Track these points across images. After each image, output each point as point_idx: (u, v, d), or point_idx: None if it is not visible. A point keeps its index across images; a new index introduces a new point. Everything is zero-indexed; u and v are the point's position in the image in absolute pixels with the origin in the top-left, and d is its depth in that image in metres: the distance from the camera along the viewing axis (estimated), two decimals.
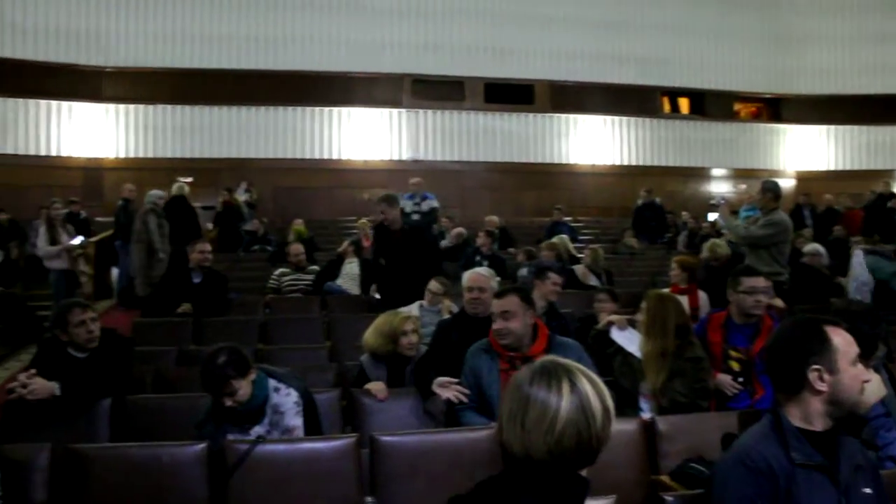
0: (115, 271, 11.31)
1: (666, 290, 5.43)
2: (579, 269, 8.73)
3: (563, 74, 17.35)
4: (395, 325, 4.38)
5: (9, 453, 2.82)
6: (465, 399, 3.83)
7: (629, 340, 4.39)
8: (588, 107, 17.67)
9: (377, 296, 7.28)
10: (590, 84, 17.53)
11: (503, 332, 3.72)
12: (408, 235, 6.92)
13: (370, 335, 4.45)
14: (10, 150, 15.30)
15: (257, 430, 3.36)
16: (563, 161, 17.69)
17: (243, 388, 3.31)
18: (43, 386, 3.72)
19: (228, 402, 3.29)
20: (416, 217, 11.94)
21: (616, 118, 17.87)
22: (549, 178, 17.43)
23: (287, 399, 3.47)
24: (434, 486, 3.15)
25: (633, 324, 4.48)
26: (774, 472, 2.08)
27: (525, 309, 3.73)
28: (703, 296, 6.53)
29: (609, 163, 17.89)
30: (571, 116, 17.66)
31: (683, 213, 14.71)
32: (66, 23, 15.61)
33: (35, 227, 12.25)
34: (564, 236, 10.99)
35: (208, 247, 7.14)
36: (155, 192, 10.07)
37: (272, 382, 3.48)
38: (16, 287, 9.86)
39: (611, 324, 4.54)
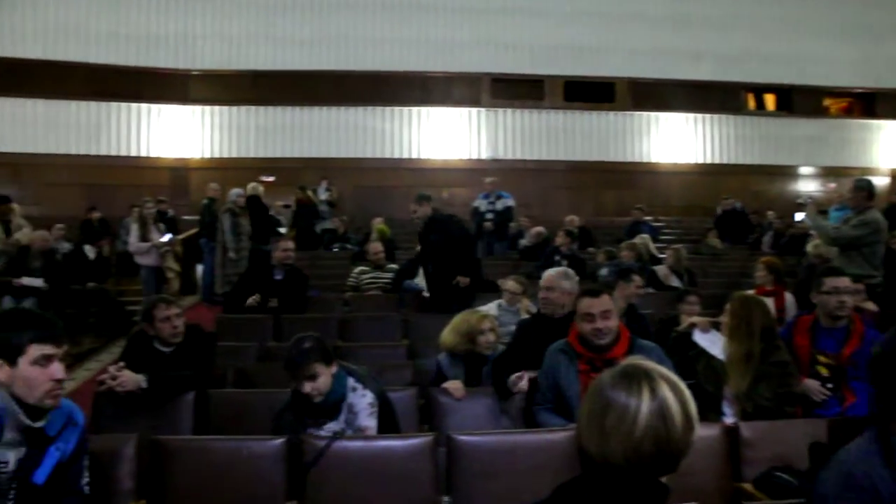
0: (199, 268, 11.60)
1: (751, 292, 5.26)
2: (661, 269, 8.56)
3: (645, 71, 17.04)
4: (473, 324, 4.36)
5: (98, 442, 2.89)
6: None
7: (712, 343, 4.28)
8: (670, 104, 17.33)
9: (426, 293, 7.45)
10: (671, 81, 17.16)
11: (604, 332, 3.66)
12: (432, 230, 7.10)
13: (447, 334, 4.44)
14: (102, 152, 15.93)
15: (331, 426, 3.38)
16: (644, 160, 17.40)
17: (324, 376, 3.35)
18: (131, 378, 3.82)
19: (308, 388, 3.31)
20: (490, 216, 11.93)
21: (699, 115, 17.46)
22: (630, 176, 17.17)
23: (362, 400, 3.48)
24: (512, 488, 3.11)
25: (716, 326, 4.36)
26: (881, 496, 1.92)
27: (615, 309, 3.71)
28: (789, 298, 6.31)
29: (691, 161, 17.50)
30: (653, 114, 17.35)
31: (769, 212, 14.28)
32: (154, 29, 16.12)
33: (125, 225, 12.66)
34: (645, 236, 10.80)
35: (291, 245, 7.24)
36: (234, 191, 10.29)
37: (350, 381, 3.50)
38: (107, 282, 10.17)
39: (693, 326, 4.43)
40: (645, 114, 17.32)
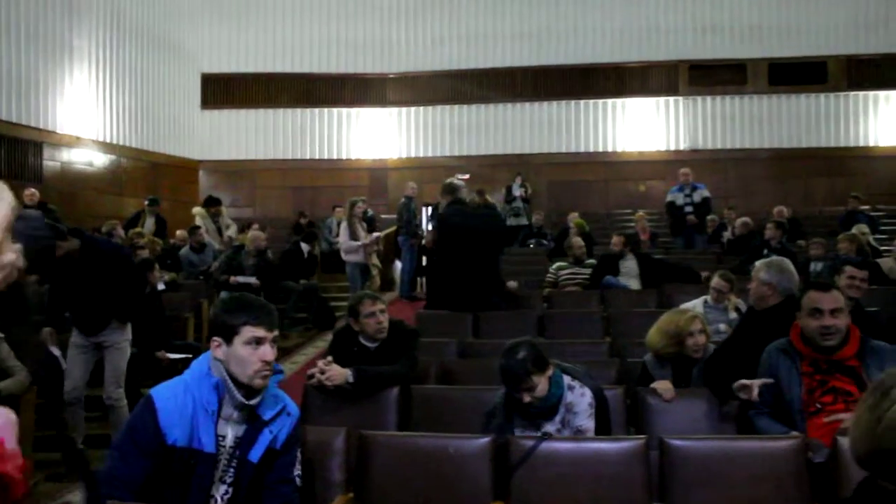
0: (397, 265, 11.92)
1: None
2: (886, 262, 7.84)
3: (862, 47, 15.77)
4: (682, 326, 4.12)
5: (309, 434, 2.98)
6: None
7: None
8: (892, 81, 15.87)
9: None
10: (893, 55, 15.74)
11: (832, 331, 3.32)
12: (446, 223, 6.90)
13: (654, 334, 4.23)
14: (307, 156, 16.83)
15: (548, 427, 3.31)
16: (861, 144, 16.09)
17: (542, 384, 3.28)
18: (339, 373, 3.92)
19: (527, 399, 3.27)
20: (689, 209, 11.46)
21: None
22: (844, 163, 15.96)
23: (582, 399, 3.39)
24: (730, 498, 2.93)
25: None
26: None
27: (845, 308, 3.38)
28: None
29: None
30: (871, 93, 16.00)
31: None
32: (352, 36, 16.82)
33: (328, 224, 13.29)
34: (864, 226, 9.98)
35: None
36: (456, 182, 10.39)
37: (567, 379, 3.42)
38: (314, 279, 10.67)
39: None
40: (862, 93, 16.00)
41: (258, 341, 2.46)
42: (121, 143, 14.03)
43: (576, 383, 3.43)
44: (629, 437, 3.27)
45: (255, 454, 2.52)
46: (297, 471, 2.67)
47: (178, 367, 6.65)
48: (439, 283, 6.94)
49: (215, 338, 2.49)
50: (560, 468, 3.01)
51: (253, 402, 2.49)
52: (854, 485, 1.62)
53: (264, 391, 2.54)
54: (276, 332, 2.53)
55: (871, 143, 16.05)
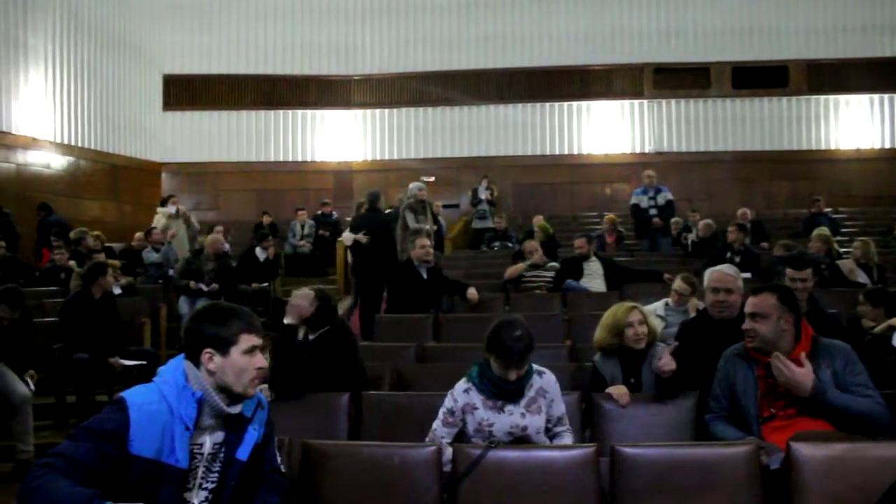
0: None
1: None
2: (846, 264, 7.88)
3: (822, 51, 15.94)
4: (620, 317, 4.09)
5: None
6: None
7: None
8: (851, 86, 16.06)
9: None
10: (853, 60, 15.93)
11: (750, 334, 3.35)
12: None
13: (598, 330, 4.24)
14: (271, 158, 16.66)
15: (511, 408, 3.37)
16: (822, 147, 16.24)
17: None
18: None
19: (514, 377, 3.33)
20: (654, 212, 11.48)
21: (885, 96, 16.07)
22: (806, 166, 16.10)
23: (553, 383, 3.51)
24: None
25: None
26: None
27: (781, 311, 3.31)
28: None
29: (877, 146, 16.16)
30: (832, 97, 16.18)
31: None
32: (317, 38, 16.70)
33: (292, 227, 13.18)
34: (825, 229, 10.04)
35: (429, 242, 7.25)
36: (414, 185, 10.28)
37: (534, 365, 3.50)
38: (274, 283, 10.53)
39: (892, 328, 3.98)
40: (822, 97, 16.17)
41: (254, 349, 2.44)
42: (79, 144, 13.76)
43: (541, 368, 3.51)
44: (579, 446, 3.19)
45: (244, 453, 2.48)
46: (280, 458, 2.70)
47: (134, 374, 6.52)
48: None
49: (207, 349, 2.41)
50: (509, 477, 2.95)
51: (235, 409, 2.45)
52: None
53: None
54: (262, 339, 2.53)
55: (833, 147, 16.23)
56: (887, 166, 15.91)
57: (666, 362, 3.76)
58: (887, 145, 16.11)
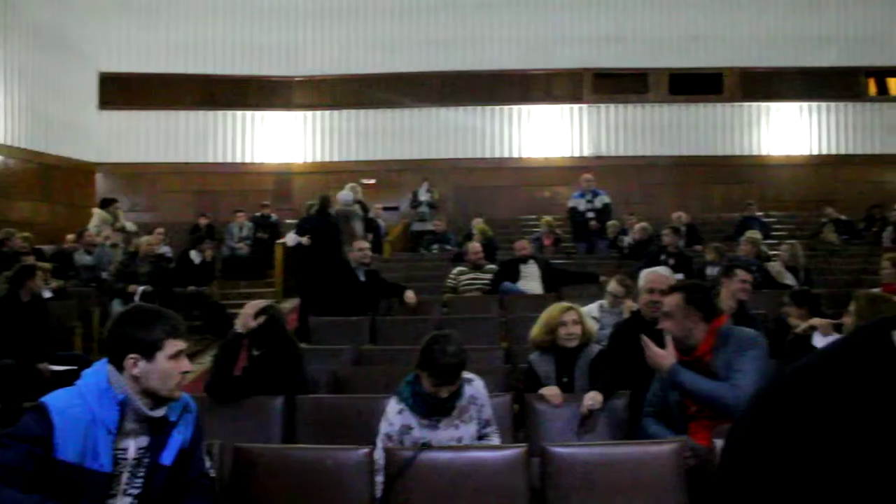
0: None
1: (877, 290, 4.87)
2: (774, 266, 8.11)
3: (755, 60, 16.31)
4: (555, 316, 4.18)
5: None
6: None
7: None
8: (782, 93, 16.47)
9: None
10: (784, 69, 16.33)
11: (664, 333, 3.45)
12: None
13: (534, 328, 4.30)
14: (210, 159, 16.40)
15: (445, 422, 3.36)
16: (755, 152, 16.63)
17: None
18: None
19: (444, 394, 3.30)
20: (591, 215, 11.64)
21: (814, 104, 16.50)
22: (739, 170, 16.47)
23: (481, 388, 3.49)
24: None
25: (838, 329, 4.02)
26: None
27: (687, 310, 3.40)
28: None
29: (805, 153, 16.60)
30: (763, 104, 16.56)
31: None
32: (259, 39, 16.49)
33: (230, 229, 13.02)
34: (756, 232, 10.30)
35: (367, 245, 7.25)
36: (344, 195, 10.32)
37: (464, 374, 3.46)
38: (212, 286, 10.39)
39: (812, 328, 4.10)
40: (755, 104, 16.56)
41: (179, 353, 2.42)
42: (8, 143, 13.34)
43: (469, 375, 3.48)
44: (510, 446, 3.23)
45: (168, 457, 2.45)
46: (209, 463, 2.70)
47: (65, 380, 6.36)
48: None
49: (132, 355, 2.37)
50: (441, 479, 2.97)
51: (159, 413, 2.43)
52: None
53: None
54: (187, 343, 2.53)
55: (764, 152, 16.61)
56: (816, 172, 16.37)
57: (589, 405, 3.83)
58: (815, 151, 16.58)
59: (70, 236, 10.65)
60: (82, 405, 2.33)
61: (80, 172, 15.58)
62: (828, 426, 0.99)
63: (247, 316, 3.99)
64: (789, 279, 7.84)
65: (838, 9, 16.28)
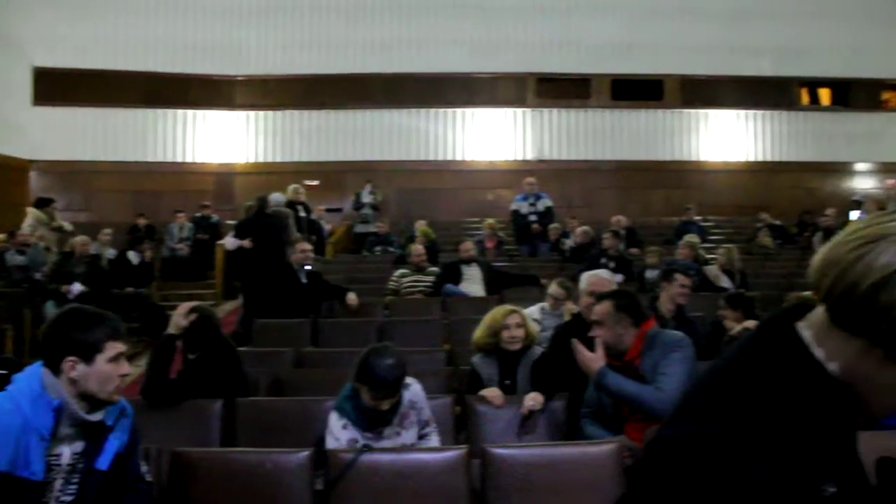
0: None
1: (808, 293, 4.99)
2: (711, 269, 8.29)
3: (694, 68, 16.66)
4: (498, 318, 4.23)
5: None
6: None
7: None
8: (720, 101, 16.90)
9: None
10: (722, 77, 16.74)
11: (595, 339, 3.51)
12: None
13: (477, 330, 4.32)
14: (149, 158, 16.10)
15: (387, 431, 3.34)
16: (694, 158, 16.99)
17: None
18: None
19: (385, 406, 3.26)
20: (534, 218, 11.73)
21: (750, 112, 16.97)
22: (679, 175, 16.78)
23: (419, 391, 3.46)
24: None
25: None
26: None
27: (617, 317, 3.47)
28: None
29: (742, 159, 17.04)
30: (702, 111, 16.94)
31: (829, 210, 13.45)
32: (201, 37, 16.25)
33: (170, 230, 12.79)
34: (694, 236, 10.49)
35: (309, 246, 7.22)
36: (276, 197, 10.25)
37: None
38: (151, 287, 10.21)
39: (747, 330, 4.19)
40: (694, 111, 16.92)
41: (119, 356, 2.38)
42: None
43: (407, 380, 3.43)
44: (451, 448, 3.25)
45: (104, 462, 2.39)
46: (145, 467, 2.64)
47: None
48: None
49: (70, 357, 2.31)
50: (382, 480, 2.97)
51: (97, 417, 2.38)
52: None
53: None
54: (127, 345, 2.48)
55: (703, 158, 16.97)
56: (752, 178, 16.79)
57: (530, 405, 3.87)
58: (751, 158, 17.02)
59: (1, 236, 10.35)
60: (14, 411, 2.26)
61: (13, 170, 15.15)
62: (739, 430, 1.00)
63: (178, 316, 3.93)
64: (726, 282, 8.01)
65: (773, 21, 16.69)
